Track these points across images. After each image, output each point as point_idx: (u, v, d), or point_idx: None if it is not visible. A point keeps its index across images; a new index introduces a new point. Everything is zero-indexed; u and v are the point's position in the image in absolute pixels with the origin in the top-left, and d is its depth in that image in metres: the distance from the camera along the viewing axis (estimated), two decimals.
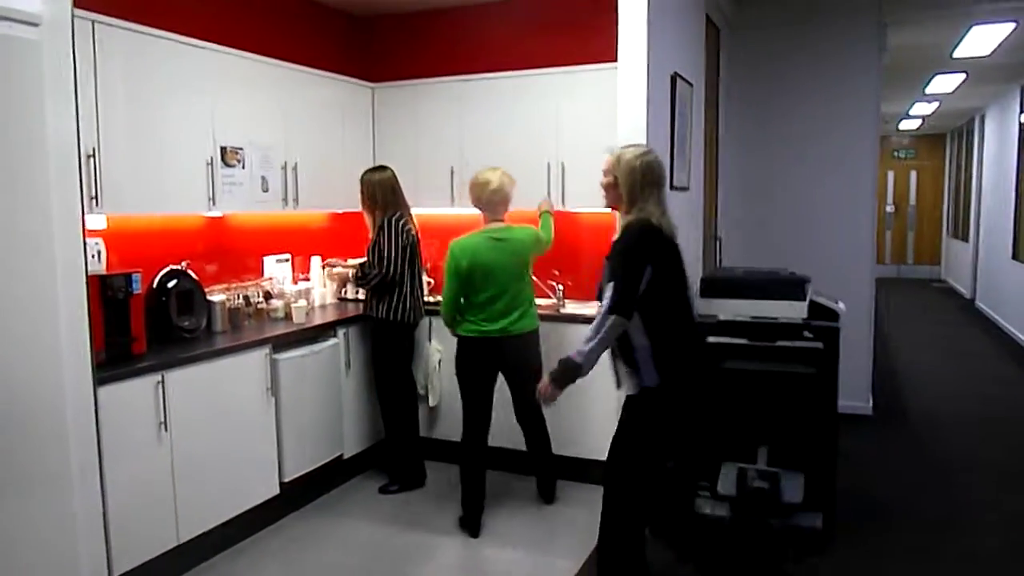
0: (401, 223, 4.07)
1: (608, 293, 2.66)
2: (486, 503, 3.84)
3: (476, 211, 4.65)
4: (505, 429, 4.10)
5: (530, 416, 3.95)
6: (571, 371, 2.69)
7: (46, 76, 2.51)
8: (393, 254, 4.01)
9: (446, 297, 3.71)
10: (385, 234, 4.02)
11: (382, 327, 4.10)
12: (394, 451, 4.26)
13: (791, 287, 3.63)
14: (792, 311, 3.60)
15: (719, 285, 3.77)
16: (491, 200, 3.75)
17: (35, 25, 2.47)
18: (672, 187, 3.93)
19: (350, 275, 4.57)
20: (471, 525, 3.73)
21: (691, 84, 4.19)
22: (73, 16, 2.61)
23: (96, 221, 3.34)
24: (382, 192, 4.10)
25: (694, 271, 4.73)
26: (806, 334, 3.44)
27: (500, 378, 3.90)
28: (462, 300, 3.73)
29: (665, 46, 3.68)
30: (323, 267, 4.67)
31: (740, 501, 3.39)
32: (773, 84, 5.56)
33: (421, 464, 4.33)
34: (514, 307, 3.73)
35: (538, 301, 4.03)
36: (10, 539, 2.42)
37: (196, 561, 3.33)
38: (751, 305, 3.65)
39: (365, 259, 4.17)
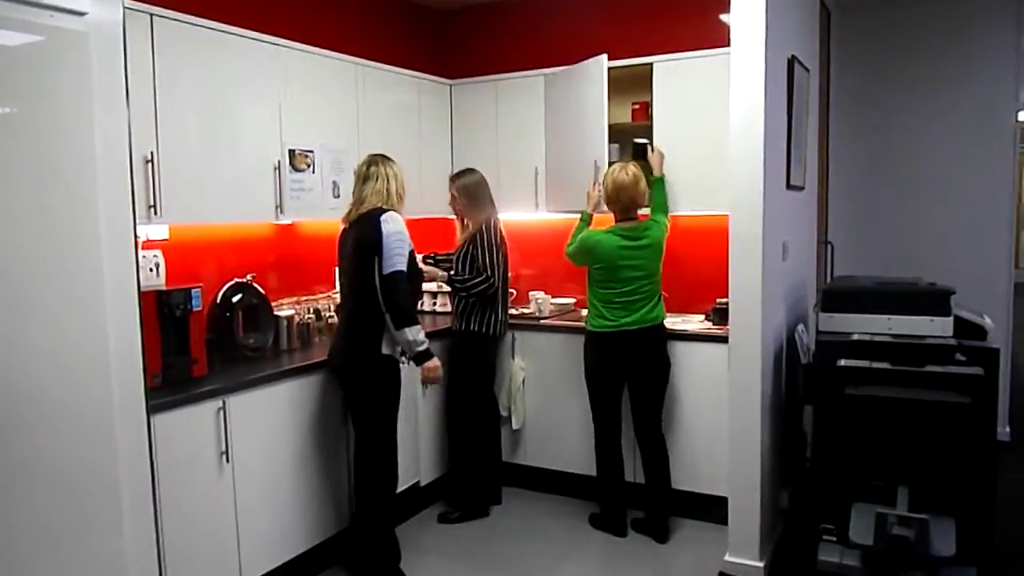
0: (497, 229, 3.78)
1: None
2: (577, 537, 3.54)
3: (561, 216, 4.30)
4: (569, 451, 3.91)
5: (652, 436, 3.59)
6: None
7: (94, 72, 2.25)
8: (496, 260, 3.72)
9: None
10: (484, 240, 3.71)
11: (473, 341, 3.76)
12: (466, 477, 3.93)
13: (934, 300, 3.12)
14: (935, 328, 3.09)
15: (844, 297, 3.28)
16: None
17: (81, 15, 2.22)
18: (788, 186, 3.46)
19: (441, 276, 3.99)
20: (617, 525, 3.63)
21: (807, 69, 3.70)
22: (125, 7, 2.36)
23: (157, 232, 3.12)
24: (481, 195, 3.82)
25: (810, 279, 4.25)
26: (959, 356, 2.91)
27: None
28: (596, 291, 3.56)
29: (781, 25, 3.22)
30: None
31: (877, 551, 2.90)
32: (891, 70, 4.97)
33: (498, 491, 4.00)
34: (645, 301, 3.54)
35: None
36: None
37: None
38: (885, 322, 3.16)
39: (452, 268, 3.86)
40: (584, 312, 4.28)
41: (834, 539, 3.09)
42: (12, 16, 2.04)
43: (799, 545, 3.34)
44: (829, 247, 4.88)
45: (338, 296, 3.56)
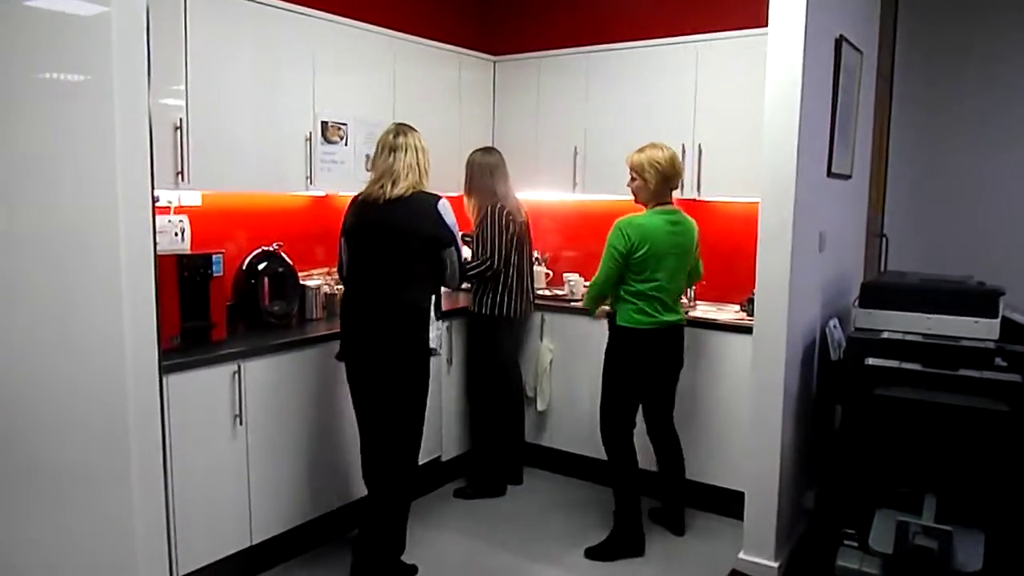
0: (504, 212, 3.71)
1: None
2: (594, 522, 3.49)
3: (598, 197, 4.22)
4: (593, 435, 3.67)
5: (665, 429, 3.48)
6: None
7: (115, 38, 2.29)
8: (497, 243, 3.68)
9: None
10: (489, 222, 3.69)
11: (483, 322, 3.75)
12: (485, 455, 3.93)
13: (980, 300, 2.95)
14: (980, 330, 2.92)
15: (884, 293, 3.13)
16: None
17: None
18: (830, 174, 3.30)
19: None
20: (637, 546, 3.35)
21: (860, 51, 3.51)
22: None
23: (189, 198, 3.19)
24: (478, 175, 3.78)
25: (855, 273, 4.06)
26: (999, 361, 2.74)
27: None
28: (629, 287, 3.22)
29: (828, 2, 3.05)
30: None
31: (898, 560, 2.76)
32: (964, 53, 4.66)
33: (519, 471, 4.01)
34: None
35: None
36: (58, 541, 2.25)
37: (270, 564, 3.12)
38: (926, 320, 3.00)
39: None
40: None
41: (855, 544, 2.96)
42: None
43: (819, 548, 3.22)
44: (883, 240, 4.66)
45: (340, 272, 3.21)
